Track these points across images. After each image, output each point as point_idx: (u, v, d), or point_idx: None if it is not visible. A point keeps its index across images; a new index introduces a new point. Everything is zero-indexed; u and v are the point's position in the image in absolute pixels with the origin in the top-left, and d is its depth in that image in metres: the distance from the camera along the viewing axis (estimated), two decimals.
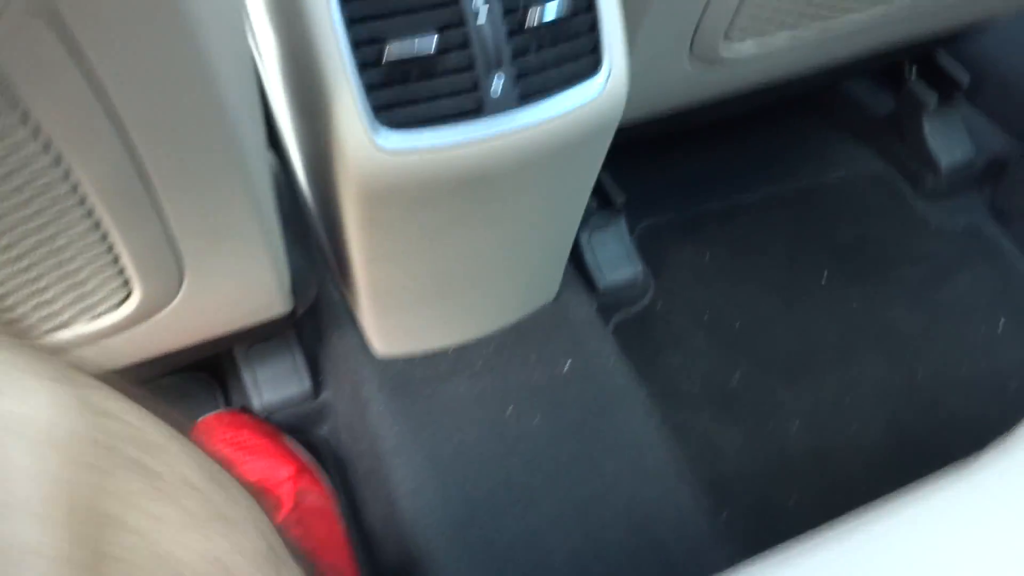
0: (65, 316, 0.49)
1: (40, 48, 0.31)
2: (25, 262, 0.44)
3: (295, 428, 0.83)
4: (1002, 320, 1.00)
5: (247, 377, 0.83)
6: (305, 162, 0.63)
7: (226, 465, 0.27)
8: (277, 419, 0.83)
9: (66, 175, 0.39)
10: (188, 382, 0.86)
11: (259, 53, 0.58)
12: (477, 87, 0.50)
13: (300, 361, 0.83)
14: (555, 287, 0.83)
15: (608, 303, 0.93)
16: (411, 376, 0.79)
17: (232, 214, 0.49)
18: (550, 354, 0.81)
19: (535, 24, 0.49)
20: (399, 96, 0.49)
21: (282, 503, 0.70)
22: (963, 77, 1.04)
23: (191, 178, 0.44)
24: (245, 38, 0.47)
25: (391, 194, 0.53)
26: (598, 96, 0.53)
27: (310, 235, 0.75)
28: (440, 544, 0.70)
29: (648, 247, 0.98)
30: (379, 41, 0.47)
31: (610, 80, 0.53)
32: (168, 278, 0.51)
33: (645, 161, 1.06)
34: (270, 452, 0.76)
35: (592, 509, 0.73)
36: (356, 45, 0.47)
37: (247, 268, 0.55)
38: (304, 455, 0.79)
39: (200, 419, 0.78)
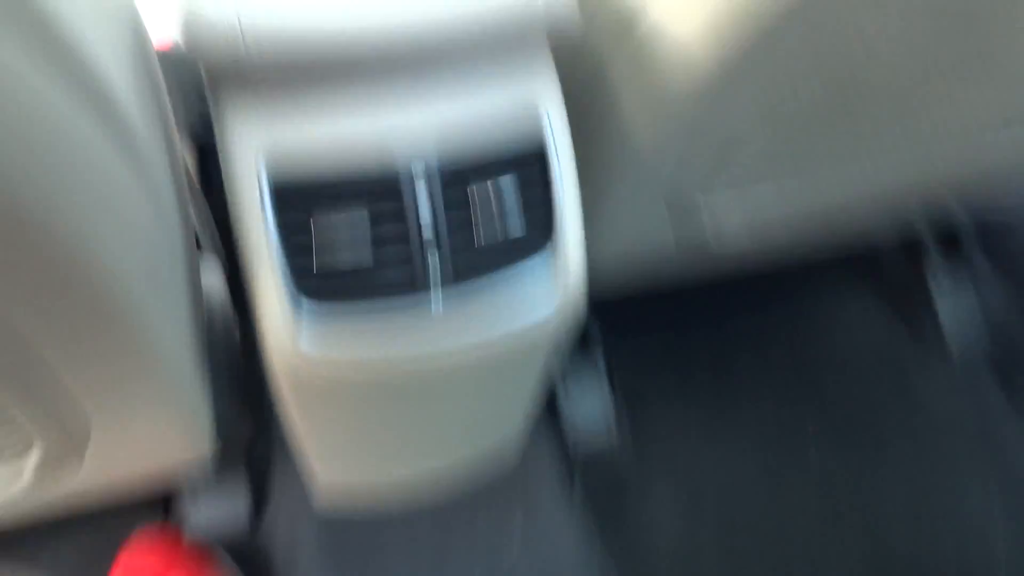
0: None
1: None
2: None
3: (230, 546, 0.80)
4: (996, 505, 0.94)
5: (191, 512, 0.80)
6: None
7: None
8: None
9: None
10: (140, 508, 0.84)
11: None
12: (410, 262, 0.48)
13: (242, 499, 0.80)
14: (512, 451, 0.79)
15: (578, 444, 0.90)
16: (353, 518, 0.76)
17: (134, 374, 0.47)
18: (500, 527, 0.77)
19: (478, 192, 0.47)
20: (328, 287, 0.47)
21: None
22: (968, 229, 1.00)
23: (81, 347, 0.43)
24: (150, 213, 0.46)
25: (312, 387, 0.51)
26: (546, 282, 0.51)
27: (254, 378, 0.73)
28: None
29: (626, 383, 0.95)
30: (305, 231, 0.45)
31: (566, 285, 0.51)
32: (70, 428, 0.49)
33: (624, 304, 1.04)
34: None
35: None
36: (285, 238, 0.45)
37: (155, 417, 0.52)
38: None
39: (138, 530, 0.76)
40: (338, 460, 0.69)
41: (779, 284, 1.11)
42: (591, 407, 0.92)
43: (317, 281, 0.46)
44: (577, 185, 0.51)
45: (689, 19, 0.48)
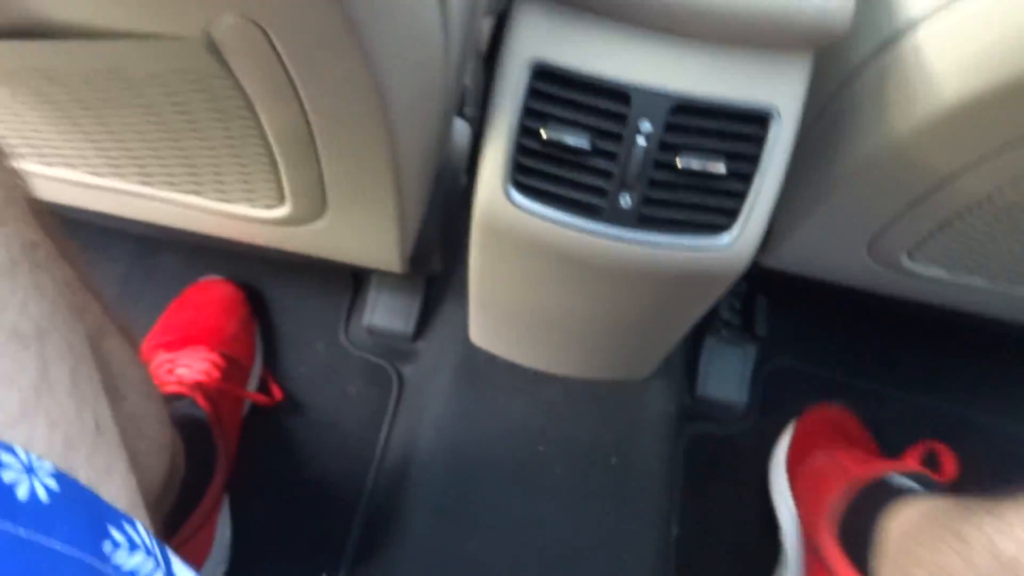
0: (230, 195, 0.62)
1: (251, 42, 0.41)
2: (217, 161, 0.57)
3: (386, 355, 0.94)
4: None
5: (371, 296, 0.95)
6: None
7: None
8: (376, 339, 0.94)
9: (257, 123, 0.50)
10: (333, 274, 1.00)
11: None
12: (606, 195, 0.54)
13: (416, 307, 0.94)
14: (646, 371, 0.85)
15: (696, 411, 0.94)
16: (484, 372, 0.87)
17: (372, 183, 0.58)
18: (605, 427, 0.85)
19: (686, 167, 0.52)
20: (540, 169, 0.54)
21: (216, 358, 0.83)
22: None
23: (346, 148, 0.54)
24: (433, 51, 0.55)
25: (503, 238, 0.59)
26: (715, 253, 0.56)
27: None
28: (417, 517, 0.79)
29: (768, 388, 0.97)
30: (545, 118, 0.52)
31: (735, 245, 0.55)
32: (313, 204, 0.62)
33: (814, 302, 1.03)
34: (233, 316, 0.91)
35: (551, 573, 0.77)
36: (527, 112, 0.53)
37: (374, 225, 0.64)
38: (254, 334, 0.93)
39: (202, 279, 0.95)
40: (492, 324, 0.79)
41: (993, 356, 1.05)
42: (730, 376, 0.95)
43: (535, 161, 0.53)
44: (781, 182, 0.54)
45: (952, 50, 0.47)
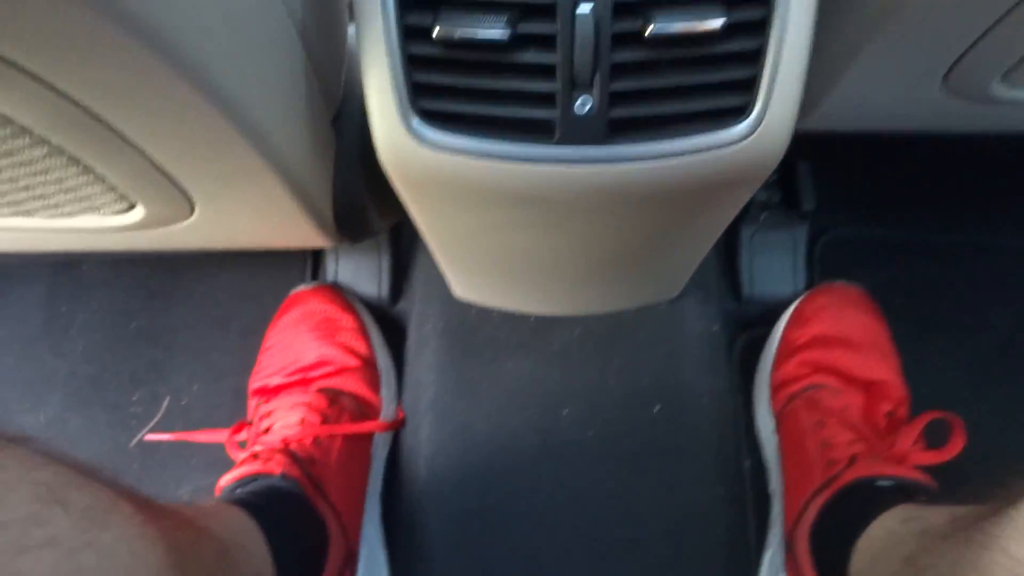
0: (65, 208, 0.46)
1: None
2: (19, 182, 0.41)
3: None
4: None
5: (329, 265, 0.78)
6: None
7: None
8: None
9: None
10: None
11: None
12: (553, 101, 0.35)
13: (385, 266, 0.77)
14: (674, 290, 0.68)
15: (747, 315, 0.77)
16: (479, 331, 0.71)
17: (232, 159, 0.41)
18: (639, 368, 0.68)
19: (660, 34, 0.33)
20: (445, 84, 0.36)
21: (313, 398, 0.66)
22: None
23: (169, 129, 0.36)
24: None
25: (427, 188, 0.42)
26: (730, 151, 0.37)
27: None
28: (435, 525, 0.65)
29: (827, 266, 0.78)
30: (436, 6, 0.34)
31: (759, 132, 0.37)
32: (172, 201, 0.45)
33: (857, 158, 0.83)
34: (331, 339, 0.71)
35: (607, 560, 0.64)
36: (404, 4, 0.34)
37: (265, 205, 0.47)
38: (374, 355, 0.74)
39: (293, 291, 0.76)
40: (470, 277, 0.62)
41: None
42: (780, 266, 0.77)
43: (437, 75, 0.35)
44: (813, 20, 0.34)
45: None
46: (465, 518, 0.65)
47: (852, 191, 0.82)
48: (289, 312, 0.73)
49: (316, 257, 0.82)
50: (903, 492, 0.57)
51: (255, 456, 0.61)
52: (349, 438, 0.66)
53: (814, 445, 0.63)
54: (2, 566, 0.29)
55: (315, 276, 0.81)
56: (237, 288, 0.81)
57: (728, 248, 0.76)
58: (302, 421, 0.64)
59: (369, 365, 0.71)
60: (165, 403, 0.79)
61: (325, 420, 0.65)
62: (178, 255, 0.84)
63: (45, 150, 0.37)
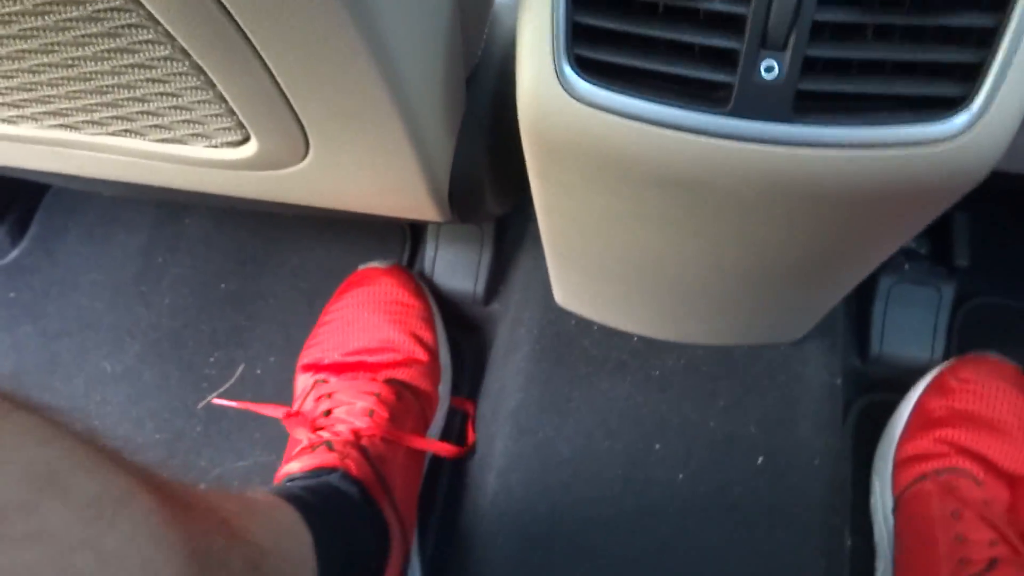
0: (176, 132, 0.43)
1: None
2: (129, 84, 0.38)
3: (452, 323, 0.75)
4: None
5: (428, 250, 0.75)
6: None
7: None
8: (442, 307, 0.75)
9: (156, 27, 0.31)
10: (385, 224, 0.81)
11: None
12: (734, 63, 0.30)
13: (485, 261, 0.73)
14: (799, 332, 0.61)
15: (871, 378, 0.69)
16: (576, 344, 0.65)
17: (359, 104, 0.37)
18: (745, 412, 0.61)
19: None
20: (609, 29, 0.31)
21: (382, 389, 0.62)
22: None
23: (307, 58, 0.33)
24: None
25: (565, 150, 0.37)
26: (938, 149, 0.31)
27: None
28: (494, 547, 0.59)
29: (966, 335, 0.70)
30: None
31: (975, 130, 0.30)
32: (288, 139, 0.42)
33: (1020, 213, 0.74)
34: (404, 327, 0.67)
35: None
36: None
37: (380, 161, 0.43)
38: (439, 350, 0.69)
39: (363, 266, 0.72)
40: (577, 280, 0.57)
41: None
42: (917, 326, 0.69)
43: (603, 18, 0.31)
44: None
45: None
46: (530, 543, 0.59)
47: (1012, 255, 0.73)
48: (356, 288, 0.69)
49: (415, 244, 0.79)
50: None
51: (329, 448, 0.57)
52: (415, 438, 0.62)
53: (946, 538, 0.54)
54: None
55: (412, 262, 0.78)
56: (330, 264, 0.79)
57: (862, 297, 0.68)
58: (371, 413, 0.60)
59: (434, 358, 0.67)
60: (239, 370, 0.77)
61: (393, 416, 0.60)
62: (279, 222, 0.82)
63: (167, 50, 0.34)
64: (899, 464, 0.60)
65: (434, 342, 0.68)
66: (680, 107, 0.32)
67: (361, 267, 0.72)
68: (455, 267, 0.74)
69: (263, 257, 0.82)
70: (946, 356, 0.68)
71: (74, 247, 0.84)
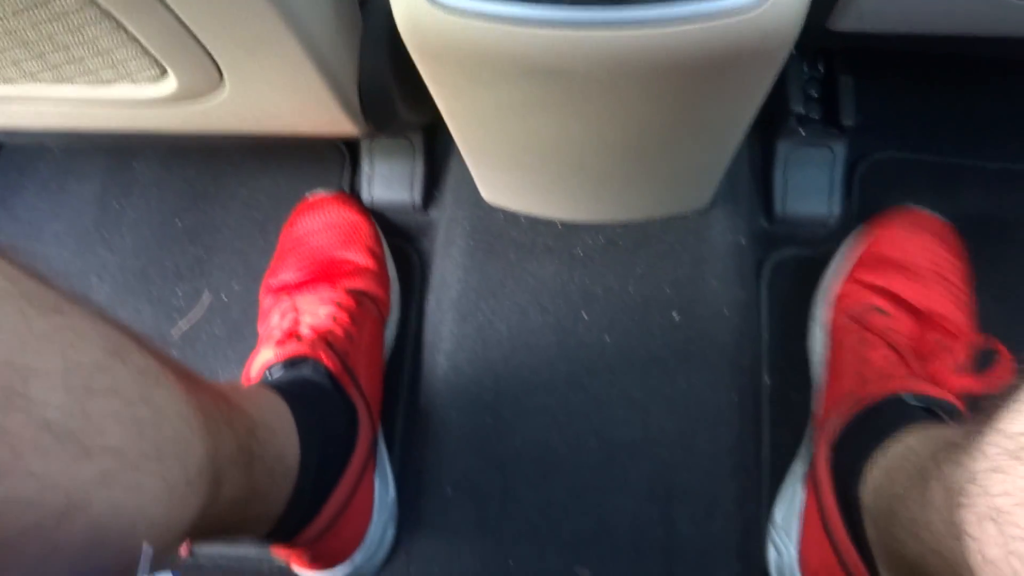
0: (102, 74, 0.48)
1: None
2: (47, 30, 0.43)
3: (400, 232, 0.81)
4: None
5: (365, 168, 0.80)
6: None
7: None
8: (387, 219, 0.81)
9: None
10: (324, 149, 0.86)
11: None
12: None
13: (419, 172, 0.78)
14: (702, 200, 0.68)
15: (777, 236, 0.76)
16: (505, 235, 0.72)
17: (255, 28, 0.42)
18: (661, 276, 0.69)
19: None
20: None
21: (342, 297, 0.69)
22: None
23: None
24: None
25: (443, 59, 0.42)
26: (736, 17, 0.37)
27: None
28: (450, 418, 0.67)
29: (867, 190, 0.77)
30: None
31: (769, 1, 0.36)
32: (202, 71, 0.47)
33: (905, 76, 0.80)
34: (355, 243, 0.74)
35: (618, 457, 0.65)
36: None
37: (290, 83, 0.48)
38: (385, 259, 0.76)
39: (310, 195, 0.78)
40: (495, 176, 0.62)
41: None
42: (816, 184, 0.75)
43: None
44: None
45: None
46: (480, 410, 0.67)
47: (900, 113, 0.79)
48: (307, 214, 0.76)
49: (354, 165, 0.84)
50: (933, 415, 0.56)
51: (298, 338, 0.64)
52: (374, 335, 0.69)
53: (853, 360, 0.62)
54: (75, 405, 0.30)
55: (353, 183, 0.83)
56: (278, 192, 0.84)
57: (763, 160, 0.75)
58: (333, 317, 0.67)
59: (383, 268, 0.74)
60: (206, 298, 0.83)
61: (354, 318, 0.67)
62: (224, 157, 0.86)
63: (77, 1, 0.39)
64: (830, 307, 0.68)
65: (382, 254, 0.75)
66: (530, 3, 0.37)
67: (308, 196, 0.78)
68: (391, 180, 0.79)
69: (213, 191, 0.87)
70: (844, 210, 0.75)
71: (32, 202, 0.89)
